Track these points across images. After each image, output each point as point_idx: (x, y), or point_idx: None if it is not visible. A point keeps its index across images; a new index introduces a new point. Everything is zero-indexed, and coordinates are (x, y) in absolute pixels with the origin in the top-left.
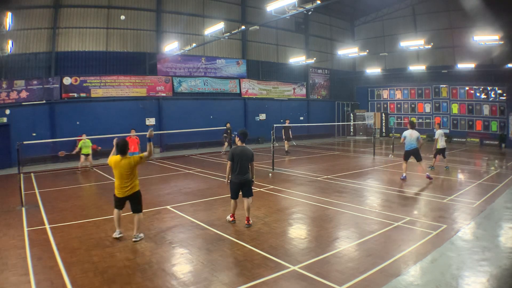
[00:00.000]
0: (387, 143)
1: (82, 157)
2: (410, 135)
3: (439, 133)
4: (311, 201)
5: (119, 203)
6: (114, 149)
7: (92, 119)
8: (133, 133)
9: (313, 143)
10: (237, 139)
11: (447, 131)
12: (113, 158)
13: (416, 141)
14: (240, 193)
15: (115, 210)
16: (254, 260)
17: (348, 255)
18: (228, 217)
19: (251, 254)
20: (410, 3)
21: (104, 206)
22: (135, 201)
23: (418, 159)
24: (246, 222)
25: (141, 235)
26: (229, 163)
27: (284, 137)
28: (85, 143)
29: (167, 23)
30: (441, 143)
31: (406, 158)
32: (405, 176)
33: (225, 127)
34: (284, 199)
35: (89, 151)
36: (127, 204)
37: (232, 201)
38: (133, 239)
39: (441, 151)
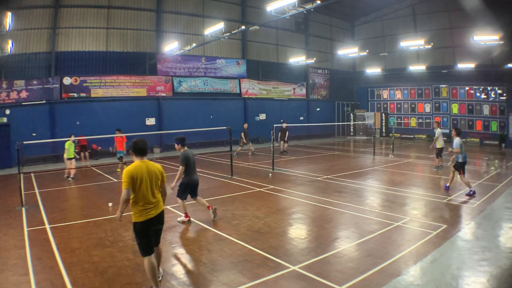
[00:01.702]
0: (387, 143)
1: (68, 162)
2: (462, 145)
3: (439, 132)
4: (311, 201)
5: (149, 237)
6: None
7: (92, 119)
8: (118, 133)
9: (313, 143)
10: (178, 146)
11: (447, 131)
12: (134, 166)
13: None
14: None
15: (147, 260)
16: (254, 260)
17: (348, 255)
18: (183, 218)
19: (251, 254)
20: (410, 3)
21: (104, 206)
22: (161, 224)
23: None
24: (210, 209)
25: (161, 270)
26: (182, 168)
27: (279, 138)
28: (71, 145)
29: (167, 23)
30: (441, 143)
31: (460, 169)
32: (448, 186)
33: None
34: (284, 199)
35: (71, 155)
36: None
37: (184, 201)
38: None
39: (440, 151)
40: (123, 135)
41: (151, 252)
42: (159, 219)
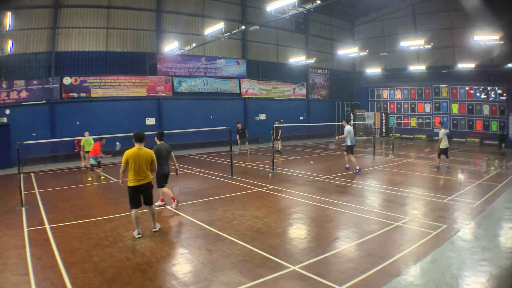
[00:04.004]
0: (387, 143)
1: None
2: (352, 131)
3: (442, 132)
4: (311, 201)
5: (136, 197)
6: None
7: (92, 119)
8: (103, 142)
9: (313, 143)
10: (156, 138)
11: (447, 131)
12: (131, 150)
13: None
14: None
15: (133, 211)
16: (254, 260)
17: (348, 255)
18: (160, 202)
19: (251, 254)
20: (410, 3)
21: (104, 206)
22: (148, 191)
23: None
24: (175, 201)
25: (158, 225)
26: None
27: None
28: (87, 141)
29: (167, 23)
30: (444, 143)
31: (348, 150)
32: (359, 169)
33: (236, 128)
34: (284, 199)
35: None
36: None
37: (162, 189)
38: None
39: (444, 151)
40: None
41: (136, 207)
42: (144, 187)
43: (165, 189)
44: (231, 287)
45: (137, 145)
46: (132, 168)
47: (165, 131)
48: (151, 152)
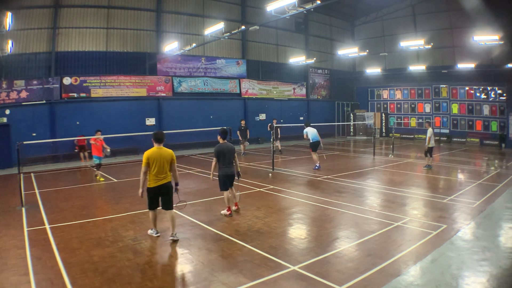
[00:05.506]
0: (387, 143)
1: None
2: (312, 131)
3: (430, 131)
4: (311, 201)
5: (155, 199)
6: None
7: (92, 119)
8: (98, 135)
9: None
10: (219, 137)
11: (447, 131)
12: (151, 150)
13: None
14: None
15: (151, 212)
16: (254, 260)
17: (348, 255)
18: (225, 211)
19: (251, 254)
20: (410, 3)
21: (104, 206)
22: (168, 193)
23: (321, 147)
24: (236, 207)
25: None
26: (215, 160)
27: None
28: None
29: (167, 23)
30: (431, 142)
31: (311, 148)
32: (319, 166)
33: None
34: (284, 199)
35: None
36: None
37: (226, 192)
38: (171, 237)
39: (430, 150)
40: (101, 137)
41: (154, 208)
42: (164, 187)
43: (225, 193)
44: (231, 287)
45: (156, 145)
46: (152, 168)
47: (164, 131)
48: (171, 151)
